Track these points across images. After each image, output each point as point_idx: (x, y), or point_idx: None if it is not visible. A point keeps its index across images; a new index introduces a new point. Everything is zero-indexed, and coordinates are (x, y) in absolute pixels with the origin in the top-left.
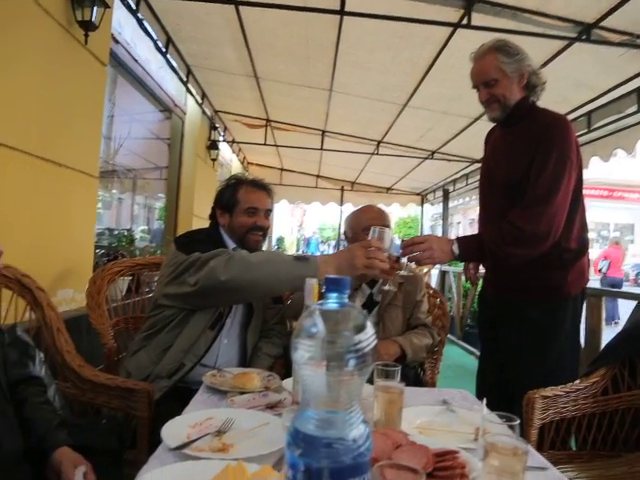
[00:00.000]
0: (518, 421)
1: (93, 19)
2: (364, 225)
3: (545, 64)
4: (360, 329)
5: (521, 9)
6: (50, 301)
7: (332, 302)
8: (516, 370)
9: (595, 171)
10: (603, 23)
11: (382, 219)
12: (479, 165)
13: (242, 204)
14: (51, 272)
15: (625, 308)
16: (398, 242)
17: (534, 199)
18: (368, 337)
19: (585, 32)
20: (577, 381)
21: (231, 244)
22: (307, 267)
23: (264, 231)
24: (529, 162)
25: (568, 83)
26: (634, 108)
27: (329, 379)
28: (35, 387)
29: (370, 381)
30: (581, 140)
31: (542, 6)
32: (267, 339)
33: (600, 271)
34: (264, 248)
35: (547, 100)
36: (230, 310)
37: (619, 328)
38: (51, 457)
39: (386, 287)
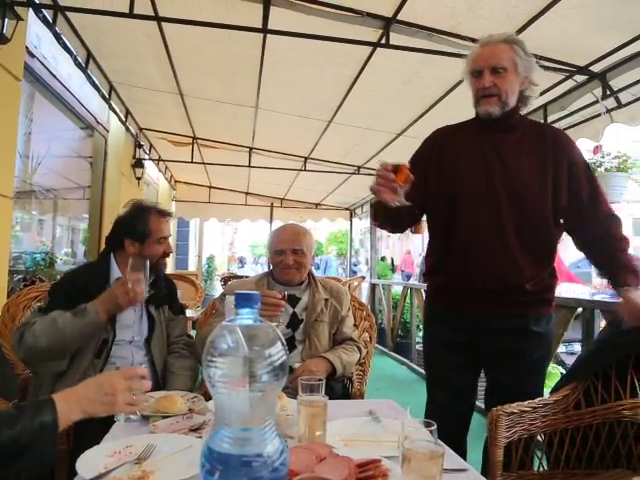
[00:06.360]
0: (435, 426)
1: (4, 32)
2: (274, 249)
3: (459, 83)
4: (271, 343)
5: (436, 30)
6: None
7: (243, 318)
8: (526, 381)
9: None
10: None
11: (293, 241)
12: None
13: (155, 234)
14: None
15: None
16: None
17: (608, 212)
18: (279, 351)
19: None
20: (546, 395)
21: (117, 274)
22: (87, 315)
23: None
24: (553, 178)
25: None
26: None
27: (243, 395)
28: None
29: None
30: None
31: (455, 28)
32: (175, 354)
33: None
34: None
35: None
36: (115, 335)
37: None
38: None
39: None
